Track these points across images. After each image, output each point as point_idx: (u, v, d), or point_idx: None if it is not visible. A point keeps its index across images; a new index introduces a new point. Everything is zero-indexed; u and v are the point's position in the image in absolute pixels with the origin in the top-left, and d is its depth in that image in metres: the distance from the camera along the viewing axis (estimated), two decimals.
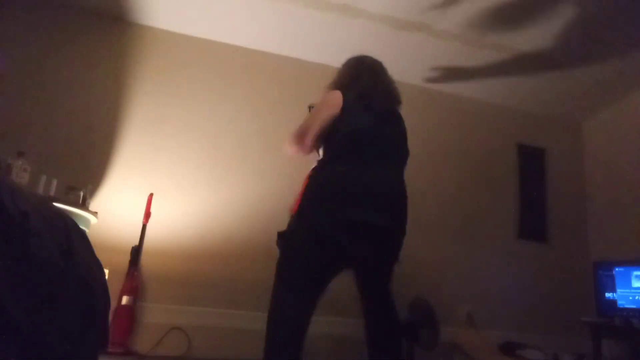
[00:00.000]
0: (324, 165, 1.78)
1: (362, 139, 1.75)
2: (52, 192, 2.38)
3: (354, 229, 1.61)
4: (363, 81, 1.90)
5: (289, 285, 1.68)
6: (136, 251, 2.67)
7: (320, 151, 1.88)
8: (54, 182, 2.42)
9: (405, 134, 1.96)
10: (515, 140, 3.84)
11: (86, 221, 2.45)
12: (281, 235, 1.83)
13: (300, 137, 1.82)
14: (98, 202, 2.76)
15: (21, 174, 2.31)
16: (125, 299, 2.55)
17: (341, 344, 2.85)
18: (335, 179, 1.68)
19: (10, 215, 0.81)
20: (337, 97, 1.80)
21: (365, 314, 1.89)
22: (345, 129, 1.75)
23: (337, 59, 3.52)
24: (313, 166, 1.86)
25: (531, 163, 3.81)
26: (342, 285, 3.19)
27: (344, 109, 1.77)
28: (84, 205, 2.45)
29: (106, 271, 1.61)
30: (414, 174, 3.51)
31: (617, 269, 3.08)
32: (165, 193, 2.91)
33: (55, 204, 1.96)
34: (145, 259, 2.73)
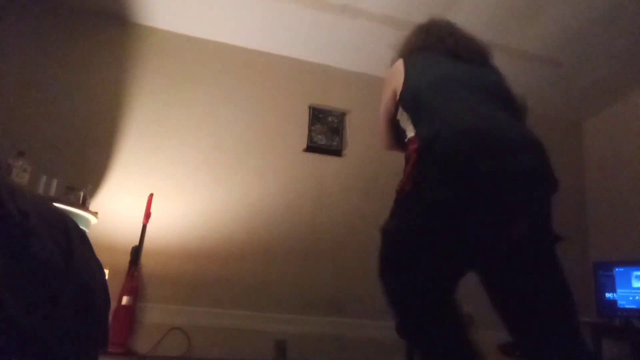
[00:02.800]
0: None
1: (450, 84, 1.28)
2: (52, 192, 2.38)
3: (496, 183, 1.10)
4: (431, 36, 1.54)
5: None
6: (136, 251, 2.67)
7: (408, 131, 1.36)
8: (54, 182, 2.42)
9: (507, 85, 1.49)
10: None
11: (86, 221, 2.44)
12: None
13: (381, 141, 1.56)
14: (98, 202, 2.76)
15: (21, 174, 2.31)
16: (125, 299, 2.55)
17: (341, 344, 2.85)
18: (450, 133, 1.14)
19: (10, 215, 0.81)
20: (395, 68, 1.42)
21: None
22: (420, 82, 1.30)
23: (337, 59, 3.56)
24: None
25: None
26: (342, 285, 3.19)
27: (408, 70, 1.35)
28: (84, 205, 2.45)
29: (106, 271, 1.61)
30: None
31: (617, 269, 3.08)
32: (165, 193, 2.91)
33: (55, 204, 1.96)
34: (145, 259, 2.73)
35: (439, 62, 1.38)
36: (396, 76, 1.39)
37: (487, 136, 1.14)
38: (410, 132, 1.33)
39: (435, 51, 1.44)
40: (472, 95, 1.27)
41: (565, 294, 1.24)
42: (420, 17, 2.95)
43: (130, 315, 2.56)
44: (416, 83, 1.32)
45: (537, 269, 1.27)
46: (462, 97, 1.25)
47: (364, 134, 3.40)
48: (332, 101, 3.45)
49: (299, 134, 3.30)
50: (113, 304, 2.32)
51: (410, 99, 1.32)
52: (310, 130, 3.33)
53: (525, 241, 1.22)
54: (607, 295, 3.08)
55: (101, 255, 1.26)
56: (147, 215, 2.74)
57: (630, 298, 2.97)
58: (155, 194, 2.83)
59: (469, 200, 1.10)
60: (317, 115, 3.38)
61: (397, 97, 1.37)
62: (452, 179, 1.11)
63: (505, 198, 1.14)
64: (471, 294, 3.23)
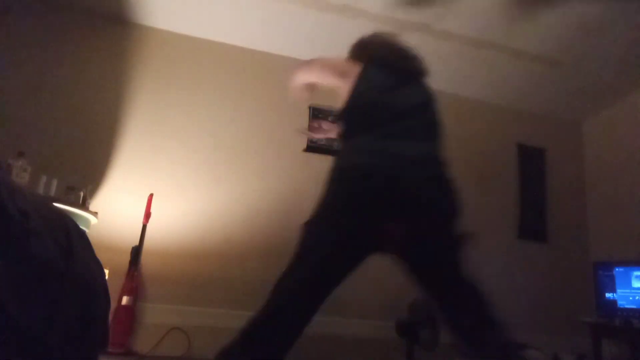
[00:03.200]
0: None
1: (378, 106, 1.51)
2: (52, 192, 2.38)
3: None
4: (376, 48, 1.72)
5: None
6: (136, 251, 2.67)
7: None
8: (54, 182, 2.42)
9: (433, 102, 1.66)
10: (515, 140, 3.84)
11: (86, 221, 2.45)
12: None
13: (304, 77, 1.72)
14: (98, 202, 2.76)
15: (21, 174, 2.31)
16: (125, 299, 2.55)
17: (341, 344, 2.85)
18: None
19: (10, 215, 0.81)
20: (352, 67, 1.61)
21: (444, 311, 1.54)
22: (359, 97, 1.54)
23: None
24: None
25: (531, 163, 3.81)
26: (342, 285, 3.17)
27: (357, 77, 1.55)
28: (84, 206, 2.45)
29: (106, 271, 1.61)
30: None
31: (617, 269, 3.08)
32: (165, 193, 2.91)
33: (55, 204, 1.96)
34: (145, 259, 2.72)
35: (385, 81, 1.57)
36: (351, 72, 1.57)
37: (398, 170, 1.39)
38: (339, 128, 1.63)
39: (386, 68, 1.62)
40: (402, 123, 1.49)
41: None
42: (420, 17, 2.96)
43: (130, 315, 2.56)
44: (363, 92, 1.54)
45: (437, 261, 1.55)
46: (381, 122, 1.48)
47: None
48: (332, 101, 3.44)
49: (299, 134, 3.30)
50: (113, 304, 2.32)
51: (354, 106, 1.56)
52: None
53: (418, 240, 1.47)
54: (607, 295, 3.08)
55: (101, 255, 1.26)
56: (147, 215, 2.74)
57: (630, 298, 2.97)
58: (155, 194, 2.83)
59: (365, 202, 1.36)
60: (317, 115, 3.38)
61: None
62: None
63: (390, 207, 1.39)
64: None
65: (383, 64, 1.63)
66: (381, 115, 1.50)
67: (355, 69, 1.58)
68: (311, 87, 1.72)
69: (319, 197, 1.47)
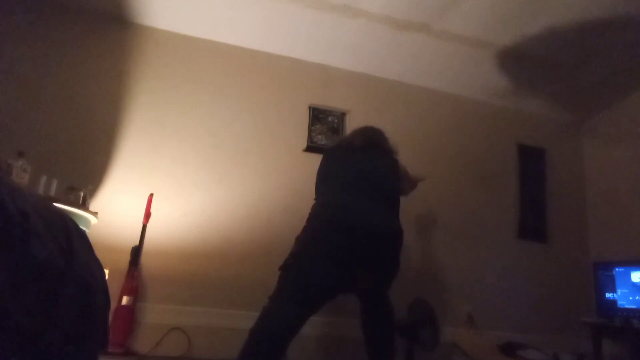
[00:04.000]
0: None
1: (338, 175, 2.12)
2: (52, 192, 2.38)
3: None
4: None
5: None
6: (136, 251, 2.67)
7: None
8: (54, 182, 2.41)
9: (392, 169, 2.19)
10: (515, 140, 3.84)
11: (86, 221, 2.44)
12: None
13: None
14: (98, 202, 2.76)
15: (21, 174, 2.31)
16: (125, 299, 2.55)
17: (341, 344, 2.85)
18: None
19: (10, 215, 0.81)
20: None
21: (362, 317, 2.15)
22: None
23: (337, 59, 3.56)
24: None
25: (531, 163, 3.81)
26: None
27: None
28: (84, 206, 2.45)
29: (106, 271, 1.61)
30: (414, 173, 3.51)
31: (617, 269, 3.08)
32: (165, 193, 2.91)
33: (55, 204, 1.96)
34: (145, 259, 2.72)
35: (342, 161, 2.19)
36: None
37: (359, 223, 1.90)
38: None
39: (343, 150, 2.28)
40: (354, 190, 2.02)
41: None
42: (420, 17, 2.96)
43: (130, 315, 2.56)
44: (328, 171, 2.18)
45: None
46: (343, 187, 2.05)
47: None
48: (332, 101, 3.45)
49: (299, 134, 3.30)
50: (113, 304, 2.32)
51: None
52: (310, 130, 3.33)
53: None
54: (607, 295, 3.08)
55: (101, 255, 1.26)
56: (147, 215, 2.74)
57: (630, 298, 2.97)
58: (155, 194, 2.83)
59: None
60: (317, 115, 3.38)
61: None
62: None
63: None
64: (471, 294, 3.25)
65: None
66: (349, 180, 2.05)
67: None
68: None
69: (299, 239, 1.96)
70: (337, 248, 1.82)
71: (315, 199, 2.13)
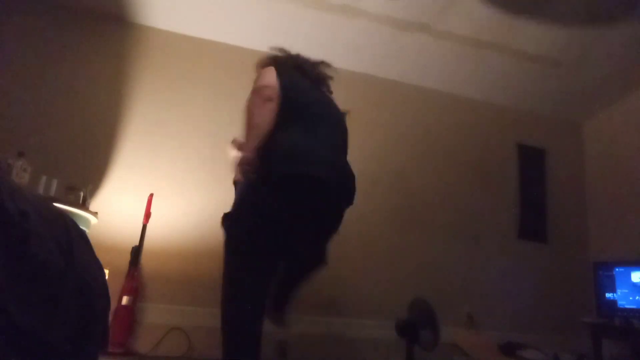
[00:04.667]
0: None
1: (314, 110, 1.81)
2: (52, 192, 2.38)
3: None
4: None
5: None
6: (136, 251, 2.67)
7: None
8: (54, 182, 2.42)
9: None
10: (515, 140, 3.84)
11: (86, 221, 2.44)
12: None
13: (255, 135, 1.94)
14: (98, 202, 2.76)
15: (21, 174, 2.31)
16: (125, 299, 2.55)
17: (341, 344, 2.85)
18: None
19: (10, 215, 0.81)
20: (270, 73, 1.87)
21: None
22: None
23: (337, 59, 3.54)
24: None
25: (531, 163, 3.81)
26: (342, 285, 3.19)
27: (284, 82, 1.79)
28: (84, 206, 2.45)
29: (106, 271, 1.61)
30: (414, 173, 3.52)
31: (617, 269, 3.08)
32: (165, 193, 2.91)
33: (55, 204, 1.96)
34: (145, 259, 2.72)
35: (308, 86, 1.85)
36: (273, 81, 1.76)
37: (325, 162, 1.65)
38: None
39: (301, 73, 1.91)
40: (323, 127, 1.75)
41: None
42: (420, 17, 2.96)
43: (130, 315, 2.56)
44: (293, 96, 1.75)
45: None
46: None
47: (364, 134, 3.40)
48: None
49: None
50: (113, 304, 2.32)
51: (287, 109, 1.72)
52: None
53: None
54: (607, 295, 3.08)
55: (101, 255, 1.26)
56: (147, 215, 2.74)
57: (630, 298, 2.97)
58: (155, 194, 2.83)
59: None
60: None
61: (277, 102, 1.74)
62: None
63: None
64: (471, 294, 3.25)
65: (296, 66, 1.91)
66: (303, 112, 1.73)
67: (275, 87, 1.77)
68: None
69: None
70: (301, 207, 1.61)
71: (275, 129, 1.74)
